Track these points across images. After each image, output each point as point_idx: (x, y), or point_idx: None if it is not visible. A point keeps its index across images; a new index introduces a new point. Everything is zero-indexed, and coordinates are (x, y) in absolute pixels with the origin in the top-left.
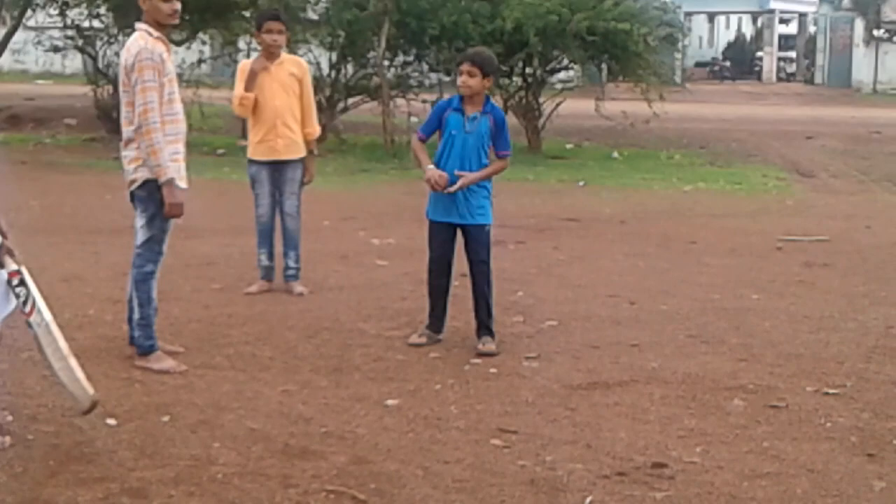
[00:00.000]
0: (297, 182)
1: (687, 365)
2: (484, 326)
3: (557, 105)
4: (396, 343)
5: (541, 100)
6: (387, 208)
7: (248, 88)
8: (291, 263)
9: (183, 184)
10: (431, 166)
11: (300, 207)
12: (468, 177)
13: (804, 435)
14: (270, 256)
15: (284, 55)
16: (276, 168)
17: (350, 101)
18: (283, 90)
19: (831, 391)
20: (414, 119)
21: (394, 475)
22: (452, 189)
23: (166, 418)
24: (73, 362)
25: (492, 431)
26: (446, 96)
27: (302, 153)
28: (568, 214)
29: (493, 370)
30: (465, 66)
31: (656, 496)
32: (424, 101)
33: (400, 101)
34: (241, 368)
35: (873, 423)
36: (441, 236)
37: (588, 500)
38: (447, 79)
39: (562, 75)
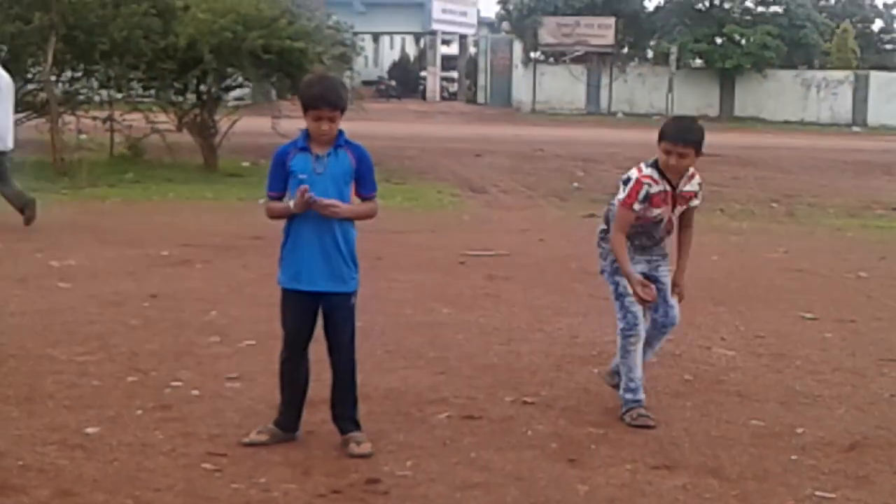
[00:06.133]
0: None
1: (388, 380)
2: (347, 418)
3: (234, 123)
4: (90, 368)
5: (216, 117)
6: (62, 229)
7: None
8: None
9: None
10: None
11: None
12: (340, 208)
13: (508, 444)
14: None
15: None
16: None
17: (14, 117)
18: None
19: (528, 400)
20: (83, 136)
21: None
22: (324, 202)
23: None
24: None
25: (201, 456)
26: (118, 113)
27: None
28: (252, 233)
29: (195, 392)
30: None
31: None
32: (94, 118)
33: (69, 118)
34: None
35: (570, 429)
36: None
37: None
38: (118, 96)
39: (237, 93)
